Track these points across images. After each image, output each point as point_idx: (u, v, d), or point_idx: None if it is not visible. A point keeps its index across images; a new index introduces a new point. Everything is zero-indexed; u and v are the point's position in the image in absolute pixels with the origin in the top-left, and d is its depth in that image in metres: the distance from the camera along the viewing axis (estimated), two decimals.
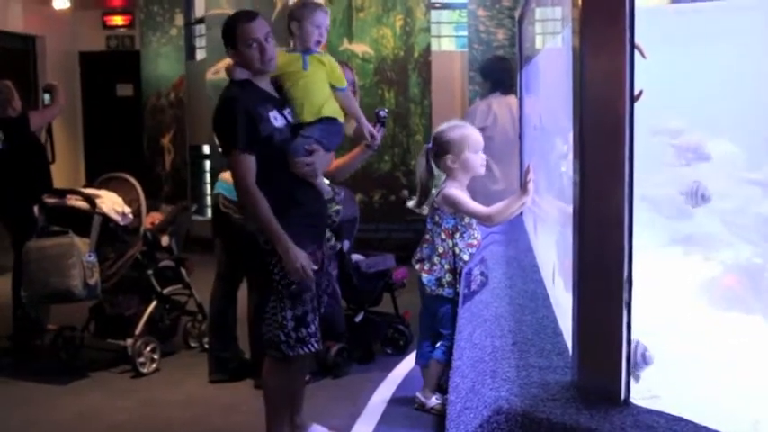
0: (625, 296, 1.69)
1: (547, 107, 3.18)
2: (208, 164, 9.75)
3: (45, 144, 5.93)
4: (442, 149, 3.97)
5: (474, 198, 3.97)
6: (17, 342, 5.46)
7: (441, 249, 3.96)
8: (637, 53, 1.69)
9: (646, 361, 1.89)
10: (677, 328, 2.50)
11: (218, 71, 9.01)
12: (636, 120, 1.67)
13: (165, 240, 5.21)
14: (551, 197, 3.03)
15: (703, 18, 2.96)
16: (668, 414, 1.66)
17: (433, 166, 4.05)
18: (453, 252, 3.94)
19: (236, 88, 3.37)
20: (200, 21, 9.73)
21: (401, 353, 5.09)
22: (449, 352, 3.93)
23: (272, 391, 3.52)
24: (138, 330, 4.93)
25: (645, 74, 1.78)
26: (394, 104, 8.46)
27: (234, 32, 3.33)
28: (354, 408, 4.21)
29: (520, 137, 5.02)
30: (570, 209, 1.84)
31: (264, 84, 3.42)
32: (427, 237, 4.04)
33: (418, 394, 4.09)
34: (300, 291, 3.35)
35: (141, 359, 4.90)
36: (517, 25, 5.64)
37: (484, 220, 3.92)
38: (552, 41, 3.08)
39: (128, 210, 4.98)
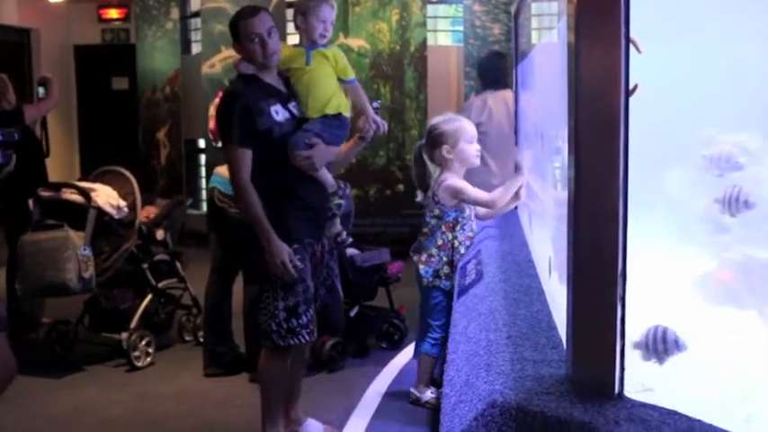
0: (619, 290, 1.69)
1: (542, 102, 3.18)
2: (203, 158, 9.74)
3: (40, 137, 5.92)
4: (436, 141, 3.99)
5: None
6: (11, 336, 5.45)
7: (440, 242, 3.99)
8: (632, 47, 1.69)
9: (679, 347, 1.89)
10: (671, 323, 2.50)
11: (214, 65, 9.01)
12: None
13: (160, 234, 5.21)
14: (547, 191, 3.03)
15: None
16: (662, 408, 1.67)
17: (427, 160, 4.07)
18: (452, 245, 3.98)
19: (240, 83, 3.45)
20: (196, 14, 9.72)
21: (396, 347, 5.10)
22: (438, 344, 3.96)
23: (266, 382, 3.55)
24: (132, 324, 4.93)
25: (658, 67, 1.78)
26: (390, 99, 8.46)
27: (237, 27, 3.39)
28: (349, 402, 4.22)
29: (515, 131, 5.03)
30: (565, 203, 1.84)
31: (271, 78, 3.46)
32: (425, 230, 4.06)
33: (412, 389, 4.10)
34: (293, 282, 3.37)
35: (136, 353, 4.90)
36: (513, 20, 5.64)
37: (487, 206, 3.98)
38: (548, 36, 3.08)
39: (123, 203, 4.97)
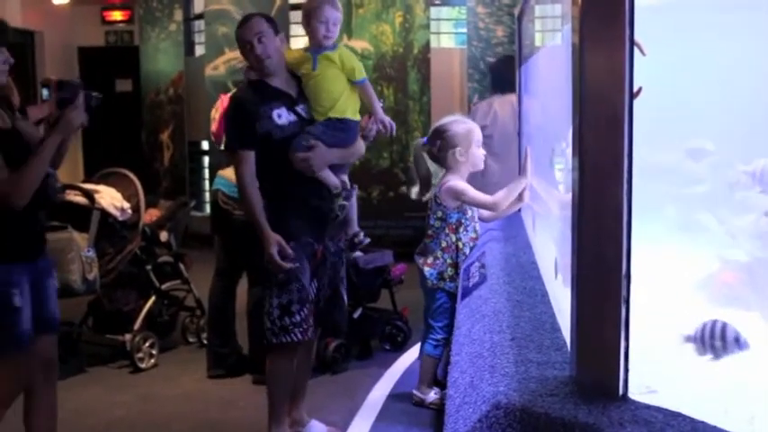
0: (623, 292, 1.69)
1: (546, 104, 3.19)
2: (206, 160, 9.75)
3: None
4: (448, 142, 3.97)
5: None
6: None
7: (444, 244, 3.99)
8: (636, 50, 1.69)
9: (740, 345, 1.86)
10: (675, 324, 2.51)
11: (217, 67, 9.03)
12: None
13: (163, 236, 5.22)
14: (552, 193, 3.03)
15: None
16: (666, 409, 1.67)
17: (428, 160, 4.06)
18: (456, 246, 3.98)
19: (243, 88, 3.61)
20: (200, 16, 9.73)
21: (399, 349, 5.11)
22: (440, 345, 3.96)
23: (271, 381, 3.59)
24: (136, 326, 4.94)
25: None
26: (393, 101, 8.47)
27: (236, 37, 3.54)
28: (353, 404, 4.22)
29: (519, 133, 5.03)
30: (569, 205, 1.84)
31: (279, 81, 3.52)
32: (430, 232, 4.06)
33: (415, 391, 4.10)
34: (288, 280, 3.42)
35: (140, 354, 4.91)
36: (516, 22, 5.64)
37: (490, 208, 3.98)
38: (552, 39, 3.09)
39: (126, 205, 4.98)
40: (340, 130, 3.52)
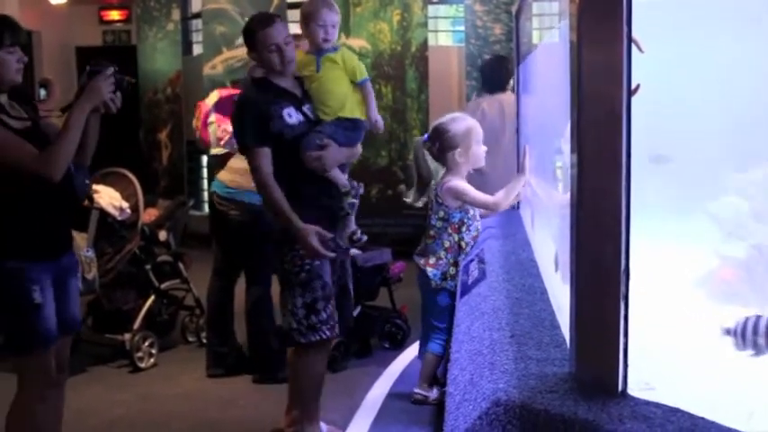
0: (622, 288, 1.70)
1: (545, 102, 3.19)
2: (205, 159, 9.74)
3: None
4: (448, 143, 3.97)
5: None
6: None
7: (447, 244, 3.99)
8: (634, 47, 1.70)
9: None
10: (674, 321, 2.51)
11: (215, 66, 9.02)
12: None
13: (162, 235, 5.22)
14: (551, 190, 3.04)
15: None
16: (665, 405, 1.68)
17: (429, 159, 4.06)
18: (459, 246, 3.98)
19: (252, 88, 3.55)
20: (197, 15, 9.73)
21: (398, 347, 5.11)
22: (445, 345, 3.96)
23: (300, 380, 3.58)
24: (136, 325, 4.94)
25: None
26: (391, 99, 8.47)
27: (254, 37, 3.43)
28: (352, 402, 4.23)
29: (517, 131, 5.04)
30: (568, 202, 1.85)
31: (285, 81, 3.51)
32: (432, 233, 4.06)
33: (416, 389, 4.10)
34: (310, 278, 3.41)
35: (139, 354, 4.91)
36: (514, 20, 5.64)
37: (490, 208, 3.99)
38: (549, 36, 3.09)
39: (125, 205, 4.98)
40: (350, 130, 3.55)
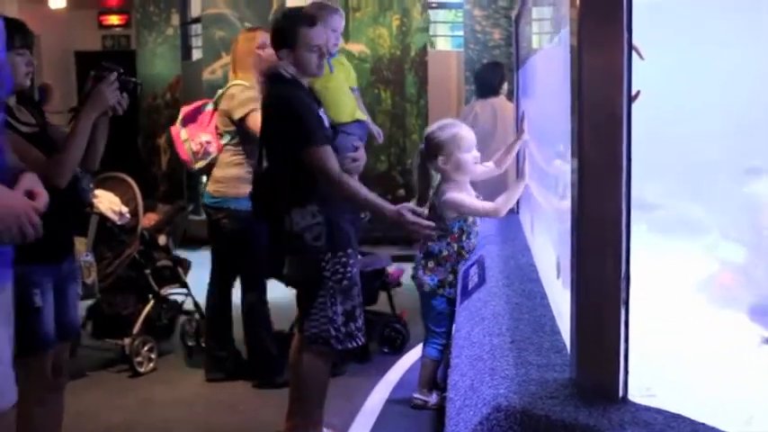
0: (623, 294, 1.70)
1: (544, 107, 3.19)
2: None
3: None
4: (432, 151, 3.96)
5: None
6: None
7: (446, 252, 3.97)
8: (634, 54, 1.70)
9: None
10: (675, 326, 2.51)
11: (215, 71, 9.03)
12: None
13: (162, 240, 5.22)
14: (551, 195, 3.04)
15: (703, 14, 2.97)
16: (666, 411, 1.68)
17: (429, 166, 4.06)
18: (459, 254, 3.97)
19: (292, 86, 3.39)
20: (197, 20, 9.74)
21: (398, 352, 5.11)
22: (441, 349, 3.96)
23: (310, 387, 3.54)
24: (135, 330, 4.94)
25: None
26: (390, 104, 8.49)
27: (295, 34, 3.34)
28: (352, 407, 4.22)
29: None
30: (568, 207, 1.85)
31: (306, 83, 3.46)
32: (431, 240, 4.05)
33: (416, 394, 4.09)
34: (351, 286, 3.40)
35: (139, 359, 4.91)
36: (514, 25, 5.66)
37: (490, 215, 3.97)
38: (549, 41, 3.10)
39: (125, 209, 4.98)
40: (365, 131, 3.56)
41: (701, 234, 3.04)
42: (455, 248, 3.97)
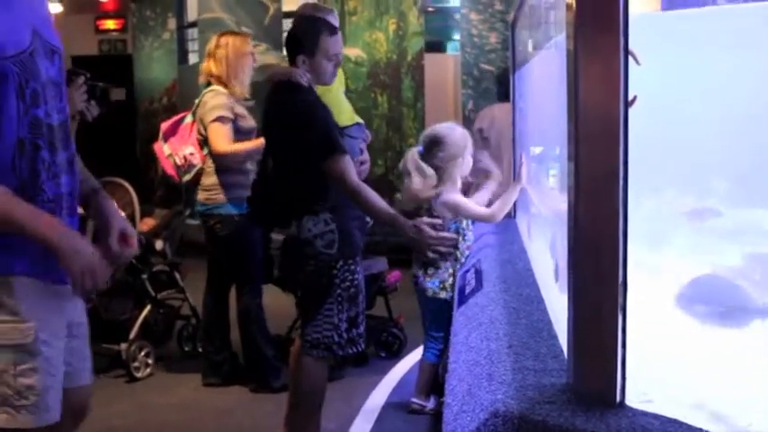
0: (620, 300, 1.70)
1: (541, 111, 3.20)
2: None
3: None
4: (437, 149, 3.96)
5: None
6: None
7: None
8: (631, 59, 1.70)
9: None
10: (672, 331, 2.52)
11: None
12: None
13: (159, 245, 5.21)
14: (548, 200, 3.04)
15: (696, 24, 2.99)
16: (663, 416, 1.68)
17: (425, 167, 4.03)
18: (455, 256, 3.97)
19: (310, 94, 3.38)
20: (193, 25, 9.75)
21: (395, 356, 5.11)
22: (440, 354, 3.96)
23: (309, 392, 3.53)
24: (132, 335, 4.93)
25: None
26: (387, 108, 8.49)
27: (317, 41, 3.34)
28: (350, 411, 4.22)
29: (513, 140, 5.05)
30: (565, 212, 1.85)
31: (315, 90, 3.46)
32: None
33: (414, 399, 4.09)
34: (356, 293, 3.41)
35: (135, 363, 4.90)
36: (510, 29, 5.66)
37: (486, 220, 3.97)
38: (546, 46, 3.10)
39: (122, 214, 4.96)
40: (365, 133, 3.57)
41: (699, 237, 3.04)
42: (452, 250, 3.97)
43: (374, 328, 5.17)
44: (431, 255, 3.21)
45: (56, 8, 10.17)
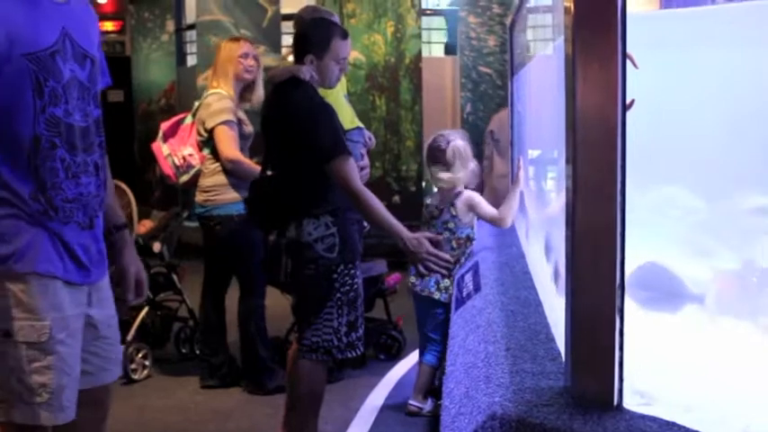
0: (618, 303, 1.70)
1: (539, 114, 3.20)
2: None
3: None
4: (444, 160, 3.99)
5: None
6: None
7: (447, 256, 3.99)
8: (628, 63, 1.71)
9: None
10: (670, 334, 2.52)
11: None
12: None
13: (156, 247, 5.20)
14: (545, 203, 3.05)
15: (694, 24, 2.99)
16: (661, 419, 1.68)
17: (440, 173, 4.03)
18: (458, 260, 3.98)
19: (317, 94, 3.35)
20: (191, 27, 9.74)
21: (394, 358, 5.10)
22: (440, 356, 3.96)
23: (308, 395, 3.50)
24: (129, 336, 4.92)
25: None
26: (385, 111, 8.48)
27: (327, 44, 3.32)
28: (347, 413, 4.22)
29: (511, 142, 5.06)
30: (563, 215, 1.85)
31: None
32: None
33: (411, 401, 4.09)
34: (356, 297, 3.40)
35: (133, 366, 4.89)
36: (508, 32, 5.67)
37: (496, 223, 4.02)
38: (544, 49, 3.11)
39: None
40: (365, 137, 3.57)
41: (698, 240, 3.05)
42: (457, 254, 4.00)
43: (373, 330, 5.17)
44: (422, 269, 3.20)
45: None
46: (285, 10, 8.59)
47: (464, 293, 3.40)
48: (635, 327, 2.18)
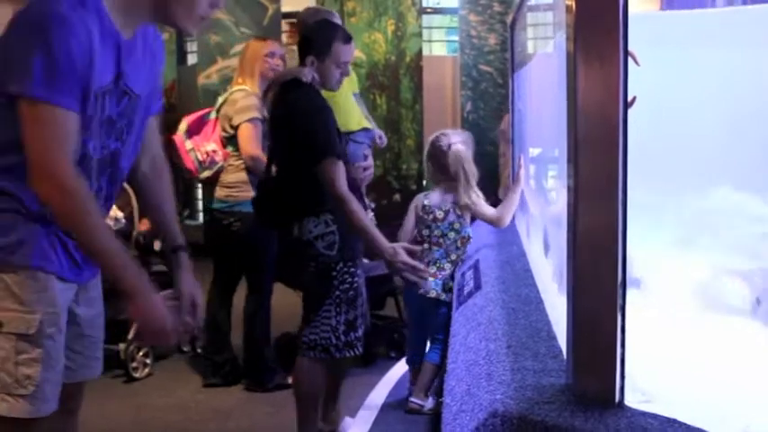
0: (619, 300, 1.70)
1: (540, 112, 3.20)
2: None
3: None
4: (445, 162, 4.01)
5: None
6: None
7: (453, 256, 4.02)
8: (630, 61, 1.71)
9: None
10: (672, 332, 2.52)
11: (210, 75, 9.02)
12: None
13: (157, 245, 5.20)
14: (547, 200, 3.05)
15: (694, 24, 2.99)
16: (662, 416, 1.68)
17: (474, 171, 4.05)
18: (461, 259, 4.00)
19: (317, 95, 3.38)
20: None
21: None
22: (443, 355, 3.96)
23: (307, 394, 3.53)
24: (130, 335, 4.92)
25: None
26: (386, 109, 8.48)
27: (329, 47, 3.35)
28: (348, 410, 4.20)
29: (512, 141, 5.06)
30: (564, 213, 1.85)
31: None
32: (440, 241, 4.06)
33: (412, 398, 4.09)
34: (355, 296, 3.40)
35: (134, 364, 4.89)
36: (509, 30, 5.66)
37: (494, 223, 4.04)
38: (545, 47, 3.11)
39: (120, 214, 4.97)
40: (371, 138, 3.57)
41: (699, 239, 3.05)
42: (460, 253, 4.03)
43: (384, 328, 5.17)
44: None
45: None
46: (286, 8, 8.59)
47: (465, 291, 3.41)
48: (636, 325, 2.19)
